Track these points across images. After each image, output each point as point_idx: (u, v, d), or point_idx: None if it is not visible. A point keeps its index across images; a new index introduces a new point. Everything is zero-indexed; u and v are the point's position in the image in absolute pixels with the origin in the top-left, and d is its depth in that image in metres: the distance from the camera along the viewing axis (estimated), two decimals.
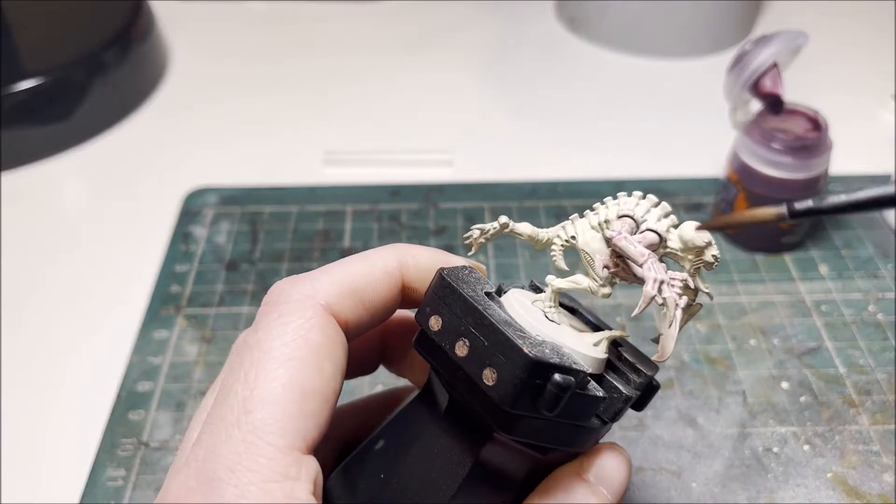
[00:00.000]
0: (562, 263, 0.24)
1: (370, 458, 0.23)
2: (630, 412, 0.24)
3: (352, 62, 0.66)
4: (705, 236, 0.22)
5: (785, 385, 0.39)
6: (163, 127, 0.58)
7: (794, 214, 0.20)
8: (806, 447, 0.36)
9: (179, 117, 0.59)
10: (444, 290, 0.21)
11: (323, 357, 0.20)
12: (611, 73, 0.64)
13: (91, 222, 0.50)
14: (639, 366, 0.23)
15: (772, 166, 0.42)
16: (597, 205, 0.24)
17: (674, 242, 0.22)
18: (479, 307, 0.20)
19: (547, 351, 0.20)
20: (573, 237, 0.24)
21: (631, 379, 0.23)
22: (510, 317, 0.21)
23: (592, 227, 0.23)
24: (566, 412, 0.20)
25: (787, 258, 0.46)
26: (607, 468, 0.23)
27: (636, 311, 0.21)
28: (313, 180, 0.52)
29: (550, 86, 0.63)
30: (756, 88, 0.43)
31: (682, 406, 0.38)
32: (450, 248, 0.24)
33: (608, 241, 0.22)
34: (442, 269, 0.22)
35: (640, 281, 0.22)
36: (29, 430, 0.37)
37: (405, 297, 0.23)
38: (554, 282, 0.23)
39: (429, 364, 0.22)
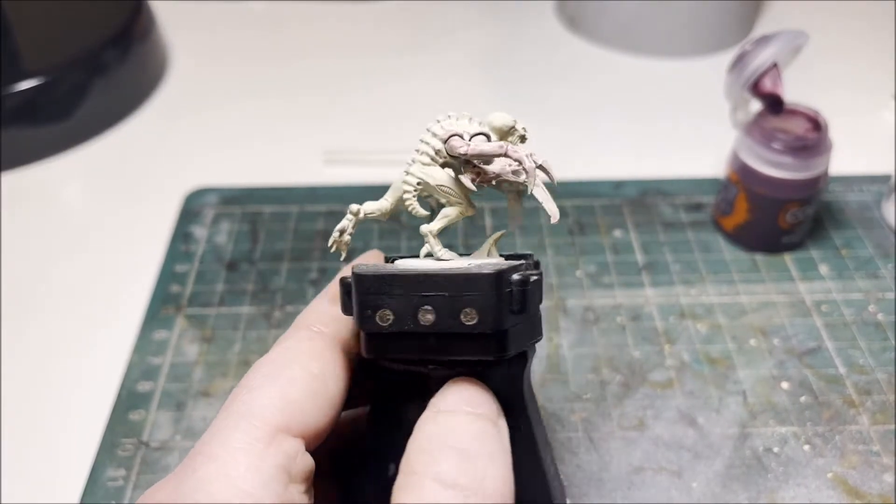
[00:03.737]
0: (420, 210, 0.25)
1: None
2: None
3: (352, 62, 0.66)
4: (508, 118, 0.23)
5: (785, 385, 0.39)
6: (163, 127, 0.58)
7: None
8: (806, 447, 0.36)
9: (179, 117, 0.59)
10: (372, 282, 0.21)
11: (321, 362, 0.21)
12: (611, 73, 0.64)
13: (91, 222, 0.50)
14: (519, 254, 0.25)
15: (772, 166, 0.42)
16: (418, 145, 0.24)
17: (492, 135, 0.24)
18: (420, 271, 0.21)
19: (489, 264, 0.21)
20: (419, 183, 0.24)
21: (526, 264, 0.24)
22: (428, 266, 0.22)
23: (432, 162, 0.24)
24: (532, 304, 0.21)
25: (787, 258, 0.46)
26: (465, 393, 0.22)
27: (553, 211, 0.22)
28: (313, 180, 0.52)
29: (550, 86, 0.63)
30: (756, 88, 0.43)
31: (683, 406, 0.38)
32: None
33: (462, 155, 0.23)
34: (349, 275, 0.22)
35: (500, 177, 0.23)
36: (29, 430, 0.37)
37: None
38: (429, 227, 0.24)
39: (390, 368, 0.22)
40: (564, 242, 0.47)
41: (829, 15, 0.71)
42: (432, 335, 0.21)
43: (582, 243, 0.47)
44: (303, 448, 0.20)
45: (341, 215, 0.25)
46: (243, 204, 0.50)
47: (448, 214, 0.24)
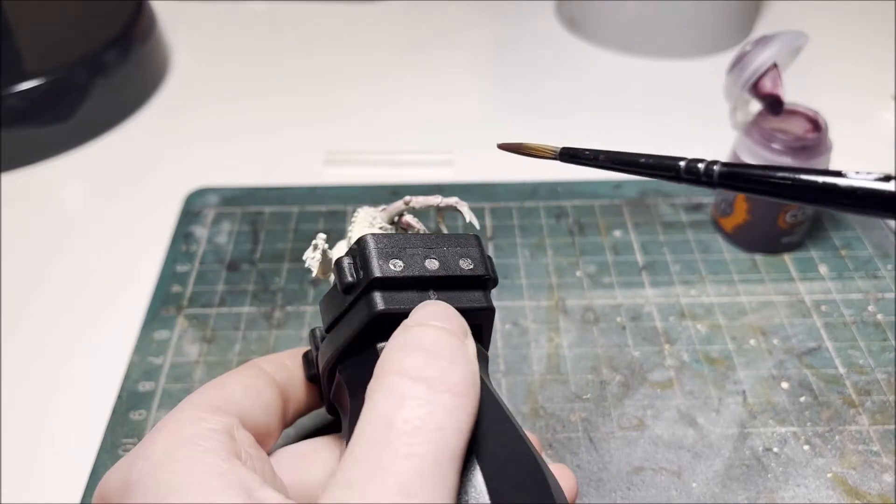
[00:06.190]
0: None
1: None
2: None
3: (352, 62, 0.66)
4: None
5: (785, 385, 0.39)
6: (164, 127, 0.59)
7: (562, 156, 0.27)
8: (806, 447, 0.36)
9: (180, 118, 0.59)
10: (382, 240, 0.25)
11: (256, 380, 0.26)
12: (611, 74, 0.64)
13: (92, 223, 0.50)
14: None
15: None
16: (367, 221, 0.31)
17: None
18: (421, 234, 0.27)
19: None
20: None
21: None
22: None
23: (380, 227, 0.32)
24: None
25: (787, 258, 0.46)
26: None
27: (472, 218, 0.33)
28: (314, 180, 0.52)
29: (550, 86, 0.63)
30: (756, 89, 0.43)
31: (682, 406, 0.38)
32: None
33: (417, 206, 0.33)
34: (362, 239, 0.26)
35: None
36: (30, 431, 0.37)
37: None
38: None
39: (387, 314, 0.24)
40: (564, 243, 0.47)
41: (829, 15, 0.71)
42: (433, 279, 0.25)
43: (582, 243, 0.47)
44: (250, 436, 0.23)
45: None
46: (244, 204, 0.50)
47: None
